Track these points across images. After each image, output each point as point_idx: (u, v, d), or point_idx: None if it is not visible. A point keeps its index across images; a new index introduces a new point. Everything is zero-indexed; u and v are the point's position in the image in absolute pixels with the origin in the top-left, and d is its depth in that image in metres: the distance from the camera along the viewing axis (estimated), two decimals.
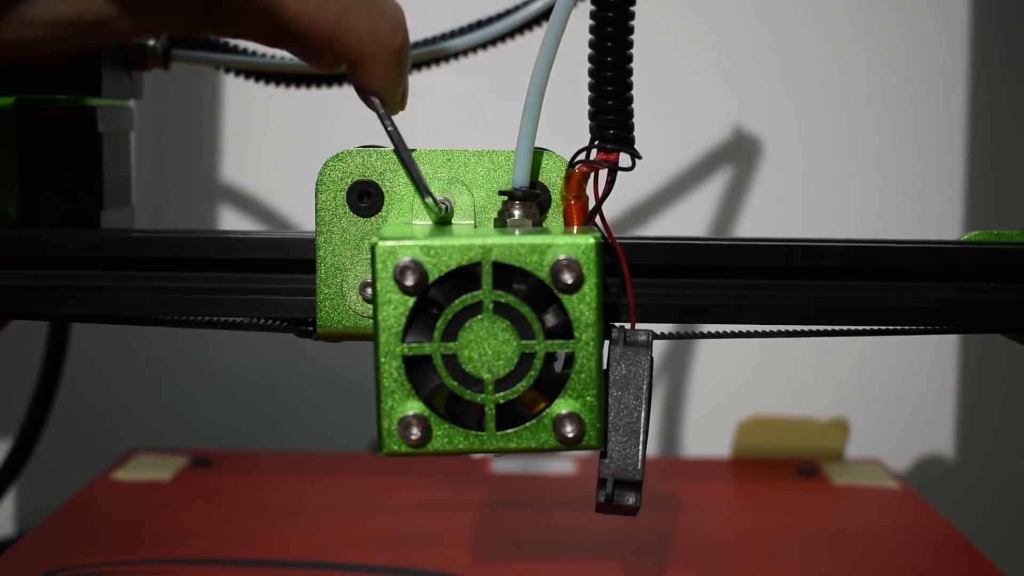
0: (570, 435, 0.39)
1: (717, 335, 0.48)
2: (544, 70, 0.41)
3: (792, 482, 0.76)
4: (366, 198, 0.44)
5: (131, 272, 0.46)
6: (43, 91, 0.52)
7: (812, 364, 0.92)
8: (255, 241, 0.46)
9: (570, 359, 0.39)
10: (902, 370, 0.93)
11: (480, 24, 0.61)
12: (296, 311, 0.46)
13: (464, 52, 0.62)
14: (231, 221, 0.93)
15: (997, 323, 0.46)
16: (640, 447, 0.40)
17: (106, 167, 0.54)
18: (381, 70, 0.43)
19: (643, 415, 0.40)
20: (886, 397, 0.93)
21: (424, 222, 0.44)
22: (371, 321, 0.41)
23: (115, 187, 0.55)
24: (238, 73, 0.61)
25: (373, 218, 0.44)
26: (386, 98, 0.45)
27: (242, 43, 0.61)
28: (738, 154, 0.92)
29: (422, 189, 0.43)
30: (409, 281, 0.38)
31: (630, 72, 0.43)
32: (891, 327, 0.46)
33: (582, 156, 0.43)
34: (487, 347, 0.39)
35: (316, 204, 0.44)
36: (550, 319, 0.39)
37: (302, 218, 0.90)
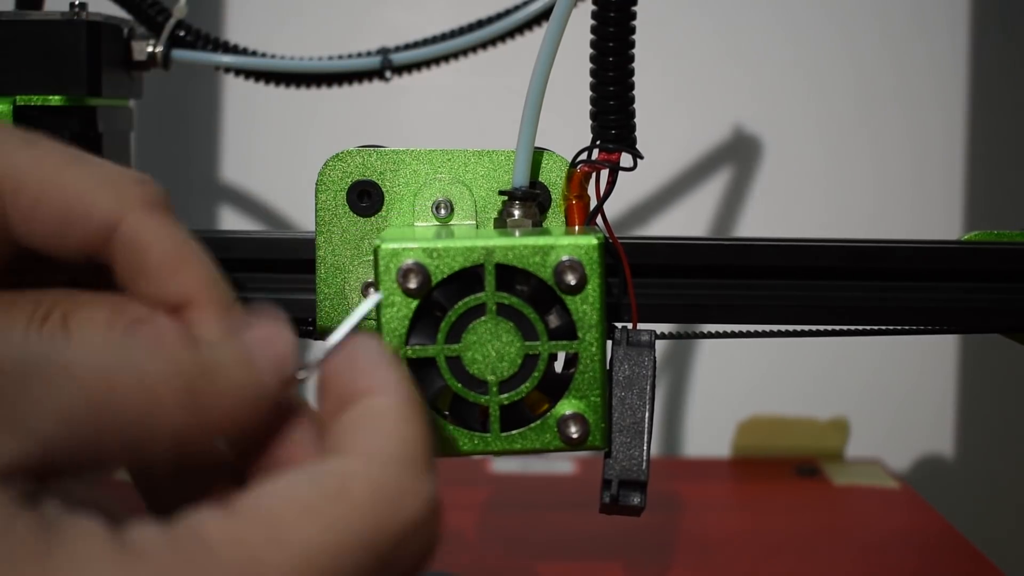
0: (574, 436, 0.39)
1: (717, 335, 0.48)
2: (544, 70, 0.41)
3: (792, 482, 0.76)
4: (366, 198, 0.44)
5: None
6: (42, 91, 0.52)
7: (812, 364, 0.92)
8: (255, 241, 0.46)
9: (573, 360, 0.39)
10: (902, 370, 0.93)
11: (480, 24, 0.61)
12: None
13: (464, 52, 0.62)
14: (231, 221, 0.93)
15: (997, 323, 0.45)
16: (644, 447, 0.40)
17: None
18: None
19: (647, 415, 0.40)
20: (886, 397, 0.93)
21: (425, 223, 0.44)
22: (371, 322, 0.41)
23: None
24: (238, 73, 0.61)
25: (373, 218, 0.44)
26: None
27: (242, 43, 0.61)
28: (739, 154, 0.92)
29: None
30: (412, 283, 0.38)
31: (631, 72, 0.43)
32: (891, 327, 0.46)
33: (584, 156, 0.43)
34: (491, 349, 0.39)
35: (316, 204, 0.44)
36: (553, 320, 0.39)
37: (302, 218, 0.90)
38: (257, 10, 0.91)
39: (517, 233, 0.40)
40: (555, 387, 0.39)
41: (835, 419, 0.83)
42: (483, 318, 0.39)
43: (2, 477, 0.22)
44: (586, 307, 0.39)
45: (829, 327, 0.46)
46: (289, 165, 0.91)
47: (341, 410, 0.29)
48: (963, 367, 0.93)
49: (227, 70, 0.60)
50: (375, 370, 0.29)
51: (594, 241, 0.38)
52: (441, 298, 0.39)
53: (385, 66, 0.60)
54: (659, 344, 0.44)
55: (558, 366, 0.40)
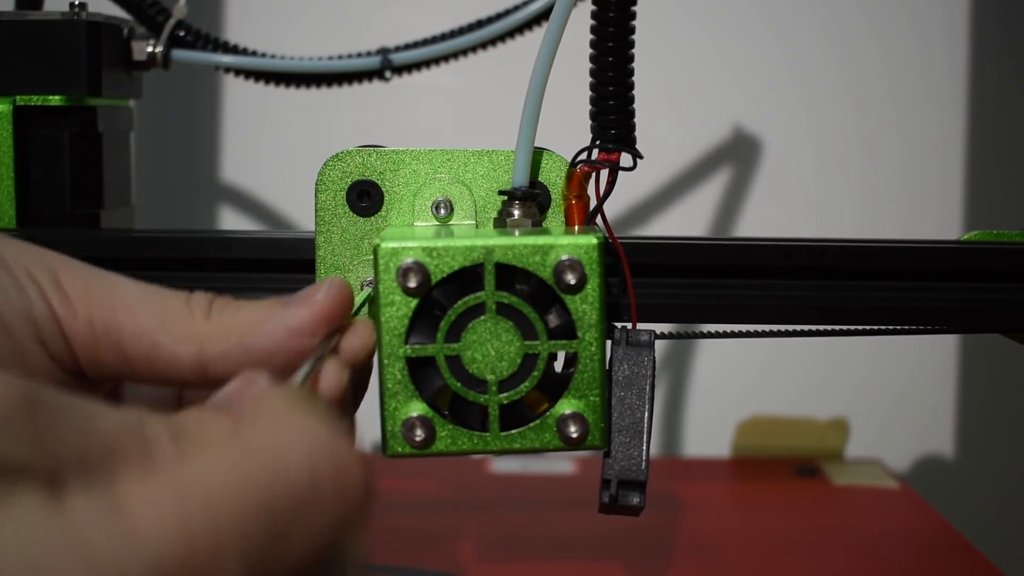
0: (574, 435, 0.39)
1: (717, 335, 0.48)
2: (544, 70, 0.41)
3: (792, 482, 0.76)
4: (366, 198, 0.44)
5: (131, 272, 0.46)
6: (43, 91, 0.52)
7: (812, 364, 0.92)
8: (255, 241, 0.46)
9: (572, 359, 0.39)
10: (902, 370, 0.93)
11: (480, 24, 0.61)
12: None
13: (464, 52, 0.62)
14: (231, 221, 0.93)
15: (997, 323, 0.45)
16: (644, 447, 0.40)
17: (106, 167, 0.54)
18: None
19: (646, 415, 0.40)
20: (886, 397, 0.93)
21: (425, 223, 0.44)
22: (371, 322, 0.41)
23: (115, 187, 0.55)
24: (238, 73, 0.61)
25: (373, 218, 0.44)
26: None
27: (242, 43, 0.61)
28: (738, 154, 0.92)
29: None
30: (412, 283, 0.38)
31: (631, 72, 0.43)
32: (891, 327, 0.46)
33: (583, 156, 0.43)
34: (490, 348, 0.39)
35: (316, 204, 0.44)
36: (553, 319, 0.39)
37: (302, 218, 0.90)
38: (257, 10, 0.91)
39: (517, 233, 0.40)
40: (554, 386, 0.39)
41: (835, 419, 0.83)
42: (483, 317, 0.39)
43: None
44: (586, 307, 0.39)
45: (829, 327, 0.46)
46: (289, 165, 0.91)
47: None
48: (963, 367, 0.93)
49: (227, 70, 0.60)
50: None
51: (594, 241, 0.38)
52: (441, 297, 0.39)
53: (385, 66, 0.60)
54: (659, 344, 0.44)
55: (558, 366, 0.40)
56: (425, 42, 0.61)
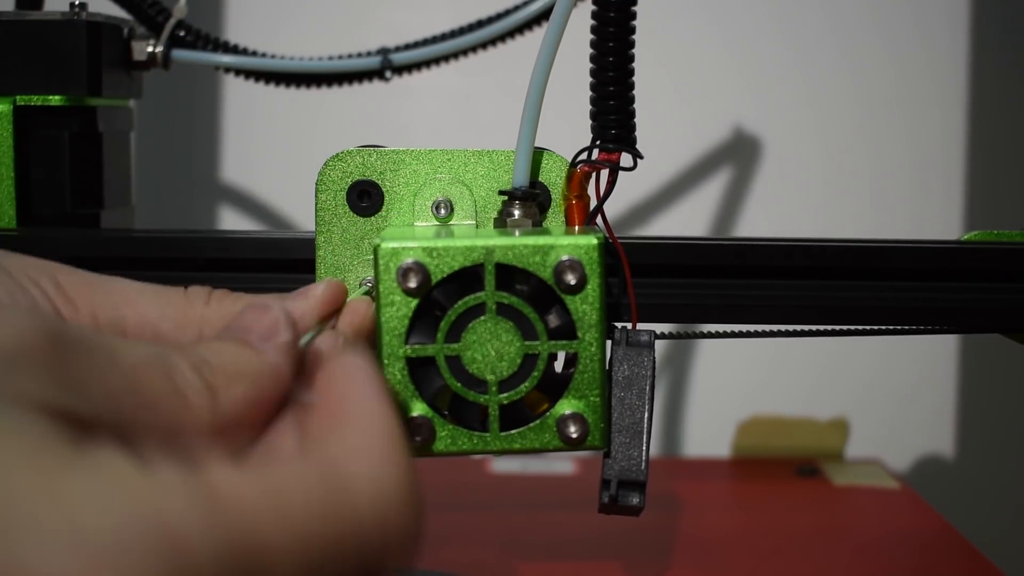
0: (574, 435, 0.39)
1: (717, 335, 0.48)
2: (544, 70, 0.41)
3: (792, 482, 0.76)
4: (366, 198, 0.44)
5: (131, 272, 0.46)
6: (42, 91, 0.52)
7: (812, 364, 0.92)
8: (255, 241, 0.46)
9: (572, 360, 0.39)
10: (902, 370, 0.93)
11: (480, 24, 0.61)
12: None
13: (464, 52, 0.62)
14: (231, 221, 0.93)
15: (997, 323, 0.45)
16: (644, 447, 0.40)
17: (106, 167, 0.54)
18: None
19: (646, 415, 0.40)
20: (886, 397, 0.93)
21: (425, 223, 0.44)
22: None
23: (115, 187, 0.55)
24: (238, 73, 0.61)
25: (373, 218, 0.44)
26: None
27: (242, 43, 0.61)
28: (739, 154, 0.92)
29: None
30: (412, 283, 0.38)
31: (631, 72, 0.43)
32: (891, 327, 0.46)
33: (584, 156, 0.43)
34: (490, 348, 0.39)
35: (316, 204, 0.44)
36: (553, 319, 0.39)
37: (302, 218, 0.90)
38: (257, 10, 0.91)
39: (517, 233, 0.40)
40: (555, 387, 0.39)
41: (835, 419, 0.83)
42: (483, 317, 0.39)
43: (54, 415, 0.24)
44: (586, 307, 0.39)
45: (829, 327, 0.46)
46: (289, 165, 0.91)
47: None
48: (963, 367, 0.93)
49: (227, 70, 0.60)
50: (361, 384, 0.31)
51: (594, 241, 0.38)
52: (441, 297, 0.39)
53: (385, 66, 0.60)
54: (659, 344, 0.44)
55: (558, 366, 0.40)
56: (425, 42, 0.61)
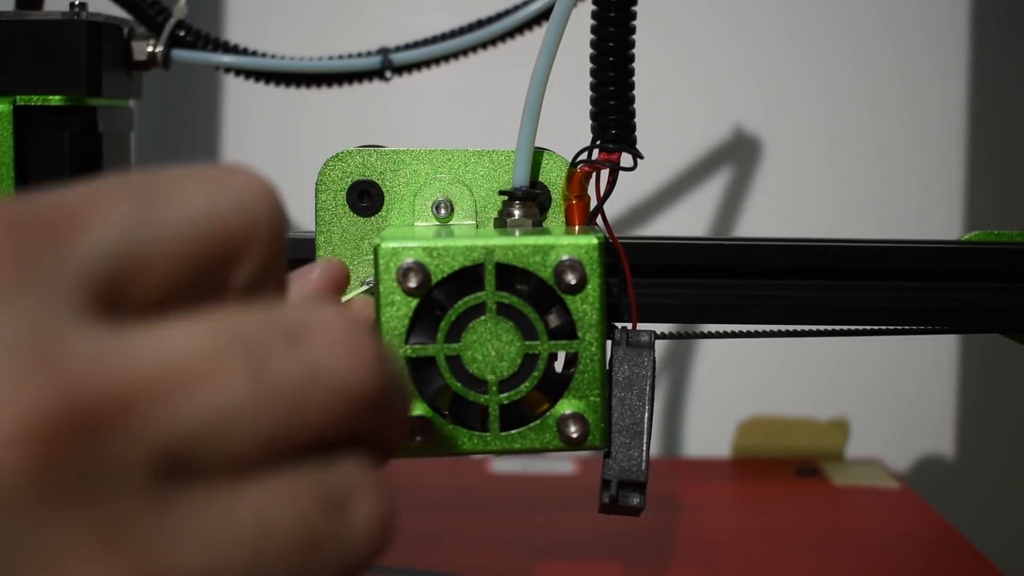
0: (574, 435, 0.39)
1: (717, 335, 0.48)
2: (544, 70, 0.41)
3: (792, 482, 0.76)
4: (366, 198, 0.44)
5: None
6: (42, 91, 0.52)
7: (812, 364, 0.92)
8: None
9: (572, 359, 0.39)
10: (902, 370, 0.93)
11: (480, 24, 0.61)
12: None
13: (464, 52, 0.62)
14: None
15: (997, 323, 0.45)
16: (644, 448, 0.40)
17: (106, 167, 0.54)
18: None
19: (647, 416, 0.40)
20: (886, 397, 0.93)
21: (425, 223, 0.44)
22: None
23: None
24: (238, 73, 0.61)
25: (373, 218, 0.44)
26: None
27: (242, 43, 0.61)
28: (738, 154, 0.92)
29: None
30: (412, 283, 0.38)
31: (631, 72, 0.43)
32: (892, 327, 0.46)
33: (584, 156, 0.43)
34: (490, 348, 0.39)
35: (316, 204, 0.44)
36: (553, 319, 0.39)
37: (302, 218, 0.90)
38: (257, 10, 0.91)
39: (517, 233, 0.40)
40: (555, 387, 0.39)
41: (835, 419, 0.83)
42: (483, 317, 0.39)
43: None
44: (586, 307, 0.39)
45: (829, 327, 0.46)
46: (289, 165, 0.91)
47: None
48: (963, 367, 0.93)
49: (227, 70, 0.60)
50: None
51: (594, 241, 0.38)
52: (441, 297, 0.39)
53: (385, 66, 0.60)
54: (659, 344, 0.44)
55: (558, 366, 0.40)
56: (425, 42, 0.61)
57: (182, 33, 0.58)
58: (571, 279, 0.38)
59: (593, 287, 0.38)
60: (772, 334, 0.46)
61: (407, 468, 0.76)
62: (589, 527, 0.65)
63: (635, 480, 0.40)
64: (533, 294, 0.39)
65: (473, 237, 0.39)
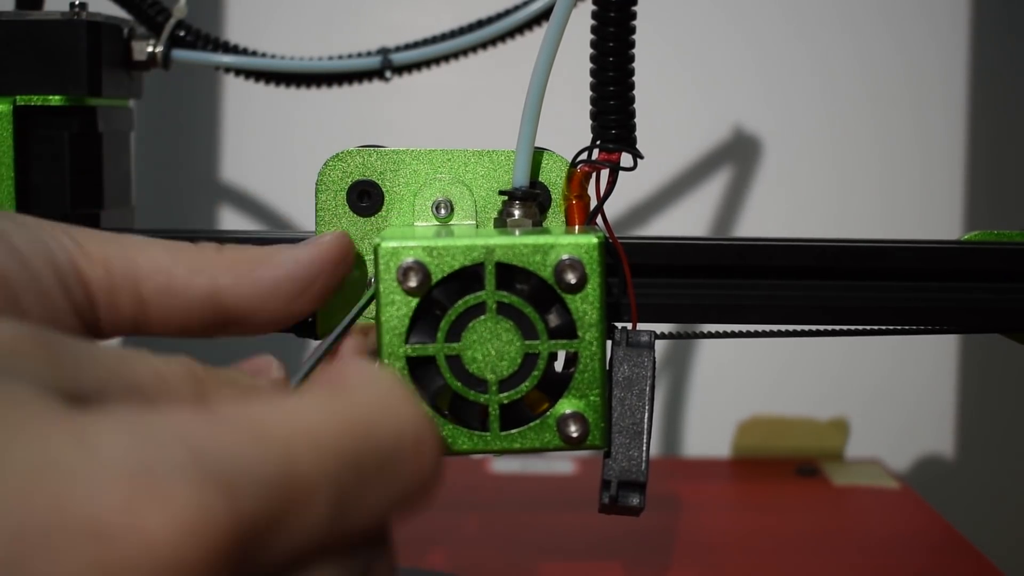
0: (574, 435, 0.39)
1: (717, 335, 0.48)
2: (544, 70, 0.41)
3: (792, 482, 0.76)
4: (366, 198, 0.44)
5: None
6: (42, 91, 0.52)
7: (812, 364, 0.92)
8: (255, 241, 0.46)
9: (572, 359, 0.39)
10: (903, 370, 0.93)
11: (480, 24, 0.61)
12: None
13: (464, 52, 0.62)
14: (231, 221, 0.93)
15: (997, 323, 0.45)
16: (644, 448, 0.40)
17: (106, 167, 0.54)
18: None
19: (647, 416, 0.40)
20: (886, 397, 0.93)
21: (425, 223, 0.44)
22: (371, 321, 0.41)
23: (115, 187, 0.55)
24: (238, 73, 0.61)
25: (373, 218, 0.44)
26: None
27: (242, 43, 0.61)
28: (738, 154, 0.92)
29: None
30: (412, 282, 0.38)
31: (632, 71, 0.43)
32: (891, 327, 0.46)
33: (584, 156, 0.43)
34: (490, 347, 0.39)
35: (316, 204, 0.44)
36: (553, 319, 0.39)
37: (302, 218, 0.90)
38: (257, 10, 0.91)
39: (517, 232, 0.40)
40: (555, 386, 0.39)
41: (835, 419, 0.83)
42: (483, 317, 0.39)
43: None
44: (586, 306, 0.39)
45: (829, 327, 0.46)
46: (289, 165, 0.91)
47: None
48: (963, 367, 0.93)
49: (227, 70, 0.60)
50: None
51: (594, 240, 0.38)
52: (441, 297, 0.39)
53: (385, 66, 0.60)
54: (659, 344, 0.44)
55: (558, 366, 0.40)
56: (425, 42, 0.61)
57: (182, 33, 0.58)
58: (571, 278, 0.38)
59: (593, 286, 0.39)
60: (772, 334, 0.46)
61: None
62: (589, 527, 0.65)
63: (635, 480, 0.40)
64: (533, 293, 0.39)
65: (473, 237, 0.39)
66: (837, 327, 0.46)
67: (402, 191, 0.44)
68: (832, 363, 0.92)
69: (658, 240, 0.45)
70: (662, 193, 0.91)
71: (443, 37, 0.61)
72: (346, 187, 0.44)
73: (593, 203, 0.43)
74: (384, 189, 0.44)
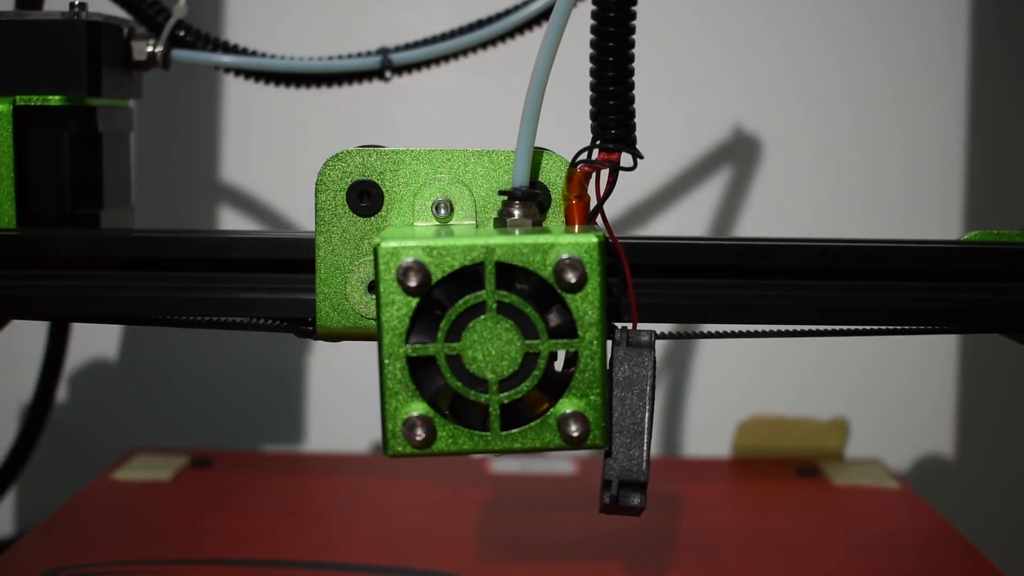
0: (575, 434, 0.39)
1: (717, 335, 0.48)
2: (544, 70, 0.41)
3: (792, 482, 0.76)
4: (366, 198, 0.44)
5: (131, 272, 0.46)
6: (42, 91, 0.52)
7: (812, 364, 0.92)
8: (255, 241, 0.46)
9: (573, 359, 0.39)
10: (902, 370, 0.93)
11: (480, 24, 0.61)
12: (296, 311, 0.46)
13: (464, 52, 0.62)
14: (231, 221, 0.93)
15: (997, 323, 0.46)
16: (644, 448, 0.40)
17: (106, 167, 0.54)
18: None
19: (647, 416, 0.40)
20: (886, 397, 0.93)
21: (425, 223, 0.44)
22: (371, 321, 0.41)
23: (115, 187, 0.55)
24: (238, 73, 0.61)
25: (373, 218, 0.44)
26: None
27: (242, 43, 0.61)
28: (739, 155, 0.92)
29: None
30: (412, 282, 0.38)
31: (631, 72, 0.43)
32: (891, 327, 0.46)
33: (584, 156, 0.43)
34: (491, 347, 0.39)
35: (316, 204, 0.44)
36: (553, 318, 0.39)
37: (302, 218, 0.90)
38: (257, 10, 0.91)
39: (517, 232, 0.40)
40: (555, 386, 0.39)
41: (835, 419, 0.83)
42: (483, 316, 0.39)
43: None
44: (586, 305, 0.39)
45: (829, 327, 0.46)
46: (289, 165, 0.91)
47: None
48: (963, 367, 0.93)
49: (227, 70, 0.60)
50: None
51: (594, 239, 0.38)
52: (441, 296, 0.39)
53: (385, 66, 0.60)
54: (659, 344, 0.44)
55: (558, 366, 0.40)
56: (425, 42, 0.61)
57: (182, 33, 0.58)
58: (571, 278, 0.38)
59: (593, 286, 0.39)
60: (772, 334, 0.46)
61: (407, 468, 0.76)
62: (589, 527, 0.65)
63: (636, 480, 0.40)
64: (533, 293, 0.39)
65: (473, 236, 0.39)
66: (837, 327, 0.46)
67: (402, 191, 0.44)
68: (832, 363, 0.92)
69: (658, 240, 0.45)
70: (662, 193, 0.91)
71: (443, 37, 0.61)
72: (346, 187, 0.44)
73: (593, 203, 0.43)
74: (384, 189, 0.44)
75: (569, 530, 0.66)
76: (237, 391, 0.94)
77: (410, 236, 0.39)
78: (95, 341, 0.91)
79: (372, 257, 0.39)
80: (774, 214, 0.91)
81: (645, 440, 0.40)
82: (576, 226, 0.43)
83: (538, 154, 0.44)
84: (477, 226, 0.44)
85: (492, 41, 0.61)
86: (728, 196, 0.91)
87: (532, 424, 0.39)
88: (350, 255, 0.44)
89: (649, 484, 0.41)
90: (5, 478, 0.76)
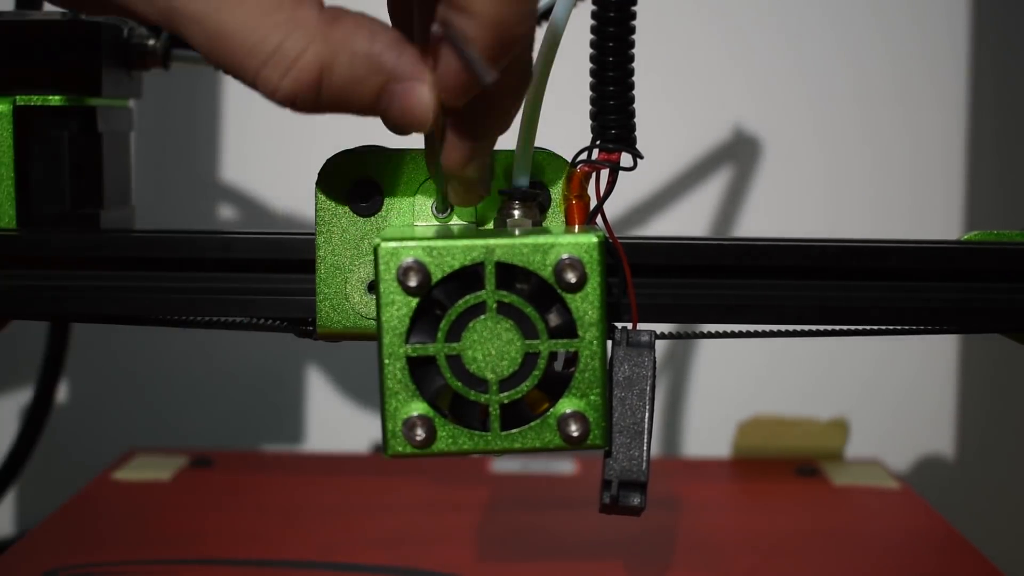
0: (575, 434, 0.39)
1: (717, 335, 0.48)
2: (544, 70, 0.41)
3: (792, 482, 0.76)
4: (366, 198, 0.44)
5: (131, 272, 0.46)
6: (42, 91, 0.52)
7: (812, 364, 0.92)
8: (255, 241, 0.46)
9: (573, 358, 0.39)
10: (902, 370, 0.93)
11: None
12: (296, 311, 0.46)
13: None
14: (231, 221, 0.93)
15: (997, 323, 0.46)
16: (645, 448, 0.40)
17: (106, 167, 0.54)
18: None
19: (647, 416, 0.40)
20: (886, 397, 0.93)
21: (425, 223, 0.44)
22: (371, 321, 0.41)
23: (115, 187, 0.55)
24: None
25: (373, 218, 0.44)
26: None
27: None
28: (739, 154, 0.92)
29: None
30: (412, 282, 0.38)
31: (631, 72, 0.43)
32: (891, 327, 0.46)
33: (584, 156, 0.43)
34: (491, 347, 0.39)
35: (316, 204, 0.44)
36: (553, 318, 0.39)
37: (302, 218, 0.90)
38: None
39: (517, 232, 0.40)
40: (555, 386, 0.39)
41: (835, 419, 0.83)
42: (483, 316, 0.39)
43: None
44: (586, 305, 0.39)
45: (828, 327, 0.46)
46: (289, 165, 0.91)
47: None
48: (963, 367, 0.93)
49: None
50: None
51: (594, 239, 0.39)
52: (441, 296, 0.39)
53: None
54: (659, 344, 0.44)
55: (558, 365, 0.40)
56: None
57: None
58: (571, 278, 0.38)
59: (593, 286, 0.39)
60: (772, 334, 0.46)
61: (407, 468, 0.76)
62: (589, 527, 0.65)
63: (636, 480, 0.40)
64: (533, 293, 0.39)
65: (473, 236, 0.39)
66: (837, 327, 0.46)
67: (402, 191, 0.44)
68: (832, 363, 0.92)
69: (658, 240, 0.45)
70: (662, 193, 0.91)
71: None
72: (346, 187, 0.44)
73: (593, 203, 0.43)
74: (384, 189, 0.44)
75: (569, 530, 0.66)
76: (237, 391, 0.94)
77: (410, 236, 0.39)
78: (95, 341, 0.91)
79: (372, 257, 0.39)
80: (774, 214, 0.91)
81: (645, 440, 0.40)
82: (576, 226, 0.43)
83: (538, 154, 0.44)
84: (477, 226, 0.44)
85: None
86: (728, 196, 0.91)
87: (532, 424, 0.39)
88: (350, 255, 0.44)
89: (649, 484, 0.41)
90: (5, 478, 0.76)
